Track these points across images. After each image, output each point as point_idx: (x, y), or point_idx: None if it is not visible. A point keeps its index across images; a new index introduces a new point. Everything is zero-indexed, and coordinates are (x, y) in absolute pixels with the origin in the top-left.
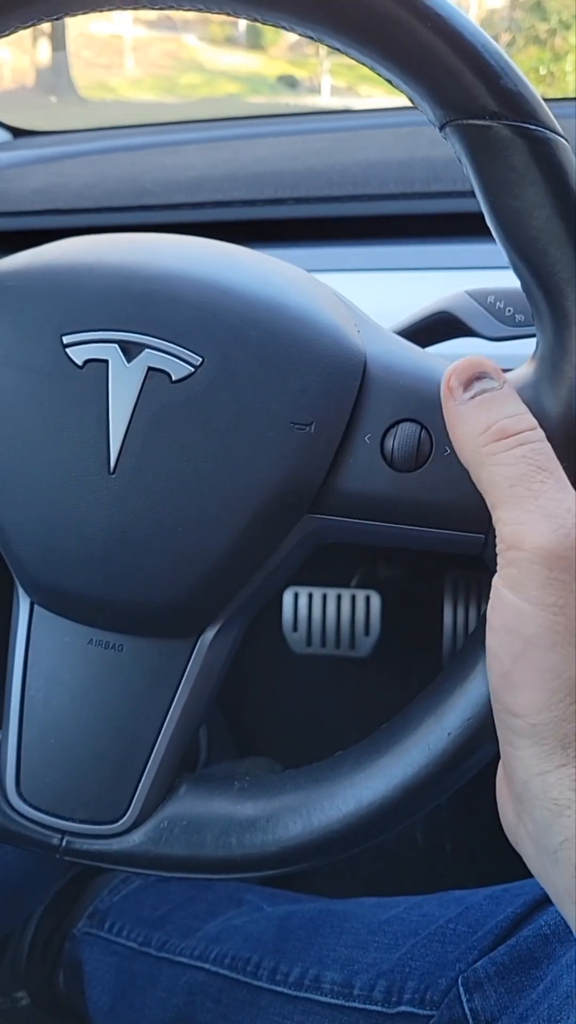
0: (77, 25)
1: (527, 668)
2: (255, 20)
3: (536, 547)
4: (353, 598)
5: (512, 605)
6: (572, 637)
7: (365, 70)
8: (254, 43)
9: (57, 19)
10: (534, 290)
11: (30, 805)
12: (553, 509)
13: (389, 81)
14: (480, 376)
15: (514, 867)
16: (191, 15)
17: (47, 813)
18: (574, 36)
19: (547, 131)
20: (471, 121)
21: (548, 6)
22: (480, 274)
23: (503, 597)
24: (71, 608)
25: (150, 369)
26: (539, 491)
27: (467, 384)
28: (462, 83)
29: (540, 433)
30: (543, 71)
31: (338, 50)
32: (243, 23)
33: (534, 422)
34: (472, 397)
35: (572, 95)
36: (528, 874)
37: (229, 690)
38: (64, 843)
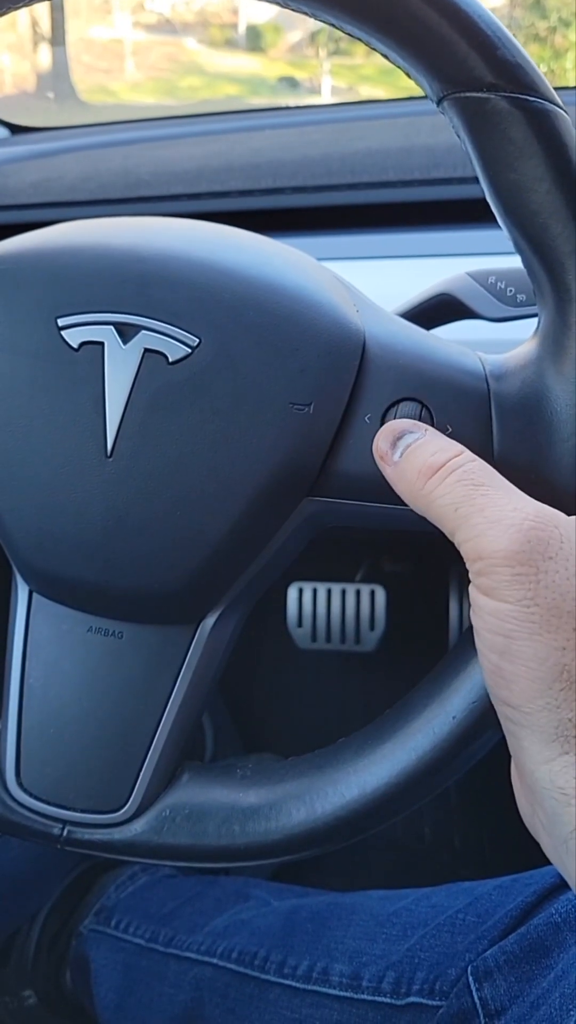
0: (77, 30)
1: (513, 661)
2: None
3: (494, 551)
4: (358, 593)
5: (489, 608)
6: (547, 625)
7: (366, 70)
8: (254, 45)
9: None
10: (535, 265)
11: (30, 795)
12: (499, 514)
13: (385, 56)
14: (401, 435)
15: (523, 860)
16: (192, 19)
17: (47, 803)
18: (574, 33)
19: (546, 102)
20: (468, 94)
21: (548, 4)
22: (481, 260)
23: (480, 603)
24: (70, 595)
25: (146, 351)
26: (483, 504)
27: (393, 445)
28: (458, 55)
29: (467, 455)
30: (543, 69)
31: (333, 25)
32: (243, 25)
33: (459, 448)
34: (401, 455)
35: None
36: (538, 865)
37: (234, 686)
38: (65, 833)
